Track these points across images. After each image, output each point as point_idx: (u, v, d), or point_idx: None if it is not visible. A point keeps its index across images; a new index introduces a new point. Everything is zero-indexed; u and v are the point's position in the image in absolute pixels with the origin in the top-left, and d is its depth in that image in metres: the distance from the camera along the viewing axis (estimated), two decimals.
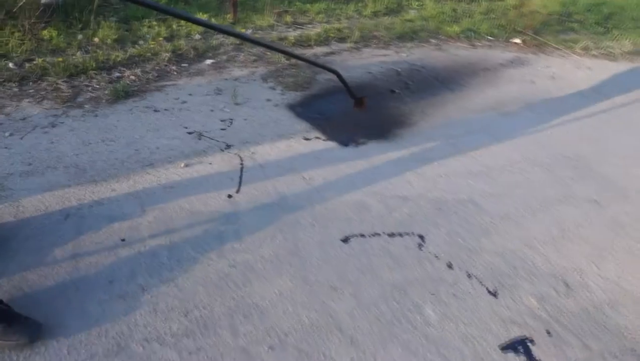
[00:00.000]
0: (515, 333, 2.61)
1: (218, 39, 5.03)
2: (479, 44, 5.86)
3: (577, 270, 3.03)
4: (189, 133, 3.72)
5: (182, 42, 4.77)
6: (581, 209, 3.52)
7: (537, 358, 2.49)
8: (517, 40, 6.01)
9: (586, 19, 6.92)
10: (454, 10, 6.38)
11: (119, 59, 4.38)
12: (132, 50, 4.49)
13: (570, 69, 5.56)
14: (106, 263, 2.69)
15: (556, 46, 6.03)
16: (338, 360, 2.35)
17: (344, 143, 3.78)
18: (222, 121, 3.89)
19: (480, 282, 2.85)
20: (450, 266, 2.92)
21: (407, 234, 3.09)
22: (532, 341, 2.58)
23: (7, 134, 3.51)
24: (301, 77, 4.56)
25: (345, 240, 2.99)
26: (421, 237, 3.08)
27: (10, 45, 4.18)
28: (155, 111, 3.93)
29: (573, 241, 3.24)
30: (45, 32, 4.43)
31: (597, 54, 6.05)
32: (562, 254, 3.12)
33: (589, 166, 3.95)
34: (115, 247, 2.78)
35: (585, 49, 6.09)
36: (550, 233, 3.28)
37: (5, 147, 3.38)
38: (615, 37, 6.42)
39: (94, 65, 4.21)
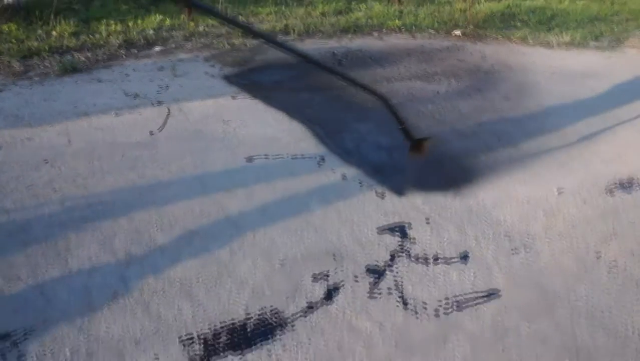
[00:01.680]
0: (395, 220, 2.86)
1: (169, 31, 5.48)
2: (419, 35, 6.27)
3: None
4: (127, 95, 4.08)
5: (134, 33, 5.21)
6: (484, 141, 3.78)
7: (410, 237, 2.73)
8: (458, 32, 6.41)
9: (530, 19, 7.34)
10: (400, 11, 6.84)
11: (71, 44, 4.81)
12: (85, 38, 4.93)
13: (504, 53, 5.93)
14: (27, 175, 3.00)
15: (494, 36, 6.43)
16: (219, 235, 2.61)
17: (268, 101, 4.12)
18: (159, 87, 4.26)
19: (370, 187, 3.11)
20: (344, 177, 3.20)
21: (310, 157, 3.38)
22: (409, 225, 2.83)
23: None
24: (240, 57, 4.95)
25: (250, 159, 3.28)
26: (322, 158, 3.37)
27: None
28: (99, 81, 4.31)
29: None
30: (5, 26, 4.89)
31: (534, 43, 6.43)
32: None
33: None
34: (38, 165, 3.10)
35: (523, 39, 6.47)
36: None
37: None
38: (556, 33, 6.80)
39: (47, 49, 4.64)
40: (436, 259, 2.58)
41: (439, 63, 5.36)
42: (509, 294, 2.39)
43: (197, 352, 2.00)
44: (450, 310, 2.29)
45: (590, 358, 2.08)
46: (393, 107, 3.06)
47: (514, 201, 3.14)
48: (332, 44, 5.65)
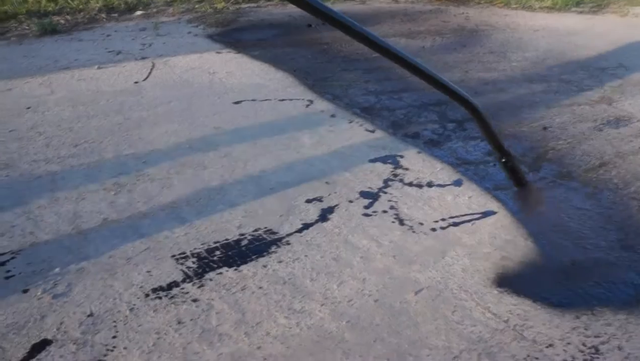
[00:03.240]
0: (385, 154, 2.83)
1: None
2: (402, 0, 6.27)
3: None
4: (109, 52, 4.01)
5: None
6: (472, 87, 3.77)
7: (403, 166, 2.70)
8: None
9: None
10: None
11: (50, 8, 4.72)
12: (63, 3, 4.84)
13: (488, 14, 5.93)
14: (9, 120, 2.92)
15: (477, 1, 6.44)
16: (209, 165, 2.56)
17: (254, 55, 4.07)
18: (142, 44, 4.19)
19: (360, 125, 3.08)
20: (333, 116, 3.16)
21: (297, 99, 3.34)
22: (402, 156, 2.80)
23: None
24: (223, 18, 4.90)
25: (237, 102, 3.24)
26: (310, 101, 3.33)
27: None
28: (80, 40, 4.23)
29: None
30: None
31: (516, 6, 6.45)
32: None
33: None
34: (21, 112, 3.03)
35: (506, 3, 6.49)
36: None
37: None
38: None
39: (24, 11, 4.54)
40: (430, 185, 2.56)
41: (423, 23, 5.35)
42: (505, 213, 2.37)
43: (191, 266, 1.95)
44: (447, 227, 2.26)
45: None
46: (489, 125, 2.08)
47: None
48: None
